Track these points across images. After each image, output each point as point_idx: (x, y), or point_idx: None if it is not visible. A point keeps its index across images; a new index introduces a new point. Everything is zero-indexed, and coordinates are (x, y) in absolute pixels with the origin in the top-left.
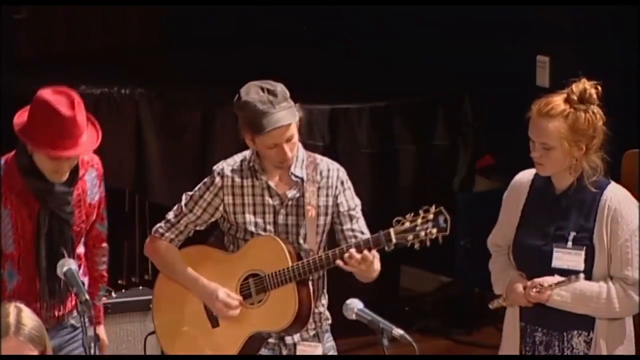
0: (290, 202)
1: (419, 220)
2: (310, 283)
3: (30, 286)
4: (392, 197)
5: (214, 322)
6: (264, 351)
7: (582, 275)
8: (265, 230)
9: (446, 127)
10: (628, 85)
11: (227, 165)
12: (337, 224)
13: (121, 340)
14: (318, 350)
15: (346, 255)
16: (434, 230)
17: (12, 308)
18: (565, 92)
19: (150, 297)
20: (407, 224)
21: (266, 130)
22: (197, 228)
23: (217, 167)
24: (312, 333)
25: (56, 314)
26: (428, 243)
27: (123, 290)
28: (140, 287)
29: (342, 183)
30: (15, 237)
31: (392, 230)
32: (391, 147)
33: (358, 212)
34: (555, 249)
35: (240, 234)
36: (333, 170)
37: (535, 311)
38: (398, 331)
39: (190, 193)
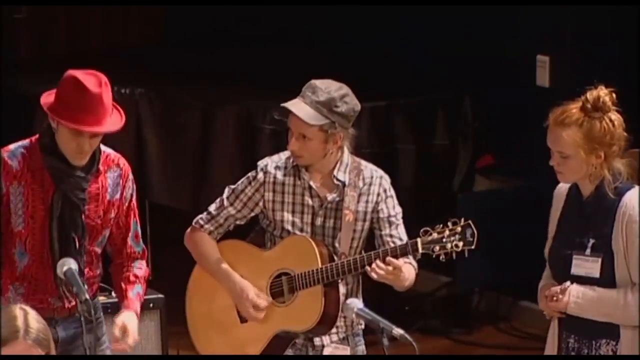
0: (329, 205)
1: (447, 232)
2: (342, 286)
3: (39, 268)
4: None
5: (244, 317)
6: (290, 351)
7: (567, 283)
8: (302, 230)
9: (446, 127)
10: (628, 85)
11: (271, 162)
12: (377, 229)
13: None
14: (345, 353)
15: (374, 265)
16: (460, 244)
17: (18, 310)
18: (581, 100)
19: (150, 296)
20: (435, 235)
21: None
22: (238, 222)
23: (261, 163)
24: (342, 336)
25: (66, 305)
26: (454, 256)
27: None
28: None
29: (384, 191)
30: (25, 216)
31: (419, 240)
32: (391, 147)
33: (399, 219)
34: (574, 256)
35: (277, 232)
36: (376, 177)
37: (569, 318)
38: (398, 331)
39: (232, 186)
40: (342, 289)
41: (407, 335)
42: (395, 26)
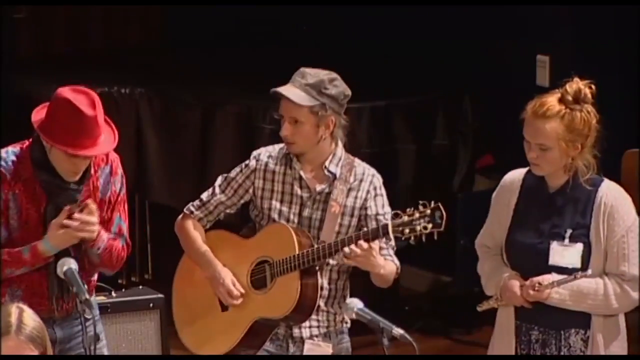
0: (317, 197)
1: (417, 215)
2: (326, 280)
3: (34, 273)
4: (391, 197)
5: (224, 305)
6: (271, 346)
7: (589, 271)
8: (288, 220)
9: (446, 127)
10: (628, 85)
11: (265, 151)
12: (364, 226)
13: (121, 340)
14: (327, 351)
15: (346, 249)
16: (429, 225)
17: (13, 308)
18: (559, 92)
19: (150, 296)
20: (405, 218)
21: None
22: (228, 211)
23: (255, 152)
24: (322, 331)
25: (64, 307)
26: (423, 239)
27: (123, 290)
28: (141, 287)
29: (374, 189)
30: (20, 222)
31: (389, 223)
32: (391, 147)
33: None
34: (552, 246)
35: (264, 221)
36: (368, 175)
37: (532, 310)
38: (398, 331)
39: (225, 175)
40: (325, 283)
41: (407, 335)
42: (395, 26)
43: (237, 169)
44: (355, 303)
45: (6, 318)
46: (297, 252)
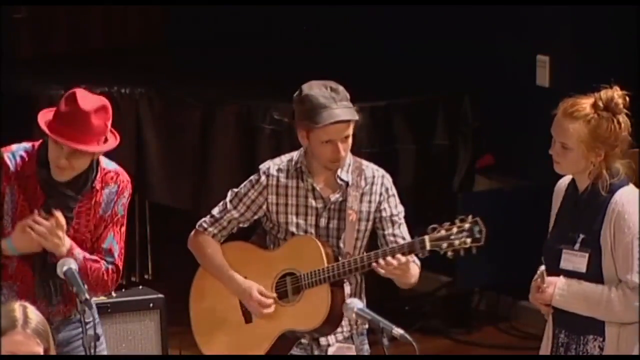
0: (332, 206)
1: (455, 229)
2: (348, 287)
3: (28, 271)
4: None
5: (248, 317)
6: (296, 350)
7: (542, 268)
8: (306, 231)
9: (446, 127)
10: (628, 85)
11: (273, 165)
12: (379, 229)
13: (121, 340)
14: (351, 352)
15: (381, 261)
16: (469, 240)
17: (17, 305)
18: (594, 96)
19: (150, 296)
20: (443, 232)
21: (324, 122)
22: (241, 225)
23: (263, 166)
24: (346, 335)
25: (61, 310)
26: (462, 253)
27: (123, 290)
28: (141, 287)
29: (386, 190)
30: (14, 218)
31: (427, 238)
32: (391, 147)
33: (401, 218)
34: (564, 251)
35: (281, 234)
36: (378, 177)
37: (559, 314)
38: (398, 331)
39: (235, 190)
40: (346, 289)
41: (407, 335)
42: (395, 26)
43: (248, 185)
44: (355, 303)
45: (11, 314)
46: (325, 264)
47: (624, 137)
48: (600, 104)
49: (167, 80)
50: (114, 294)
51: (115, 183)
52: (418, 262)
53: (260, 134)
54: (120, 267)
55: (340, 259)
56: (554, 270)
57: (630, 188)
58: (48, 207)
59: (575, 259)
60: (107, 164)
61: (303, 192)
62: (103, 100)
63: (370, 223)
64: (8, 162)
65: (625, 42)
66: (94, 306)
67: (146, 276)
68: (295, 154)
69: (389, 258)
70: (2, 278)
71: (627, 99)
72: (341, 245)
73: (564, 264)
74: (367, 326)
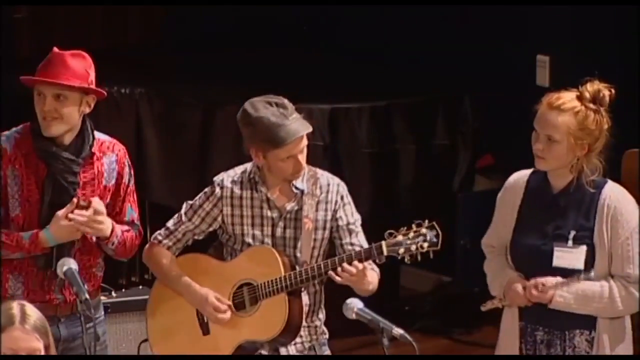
0: (288, 215)
1: (411, 234)
2: (306, 296)
3: (30, 264)
4: (392, 197)
5: (205, 329)
6: None
7: (591, 273)
8: (262, 242)
9: (446, 127)
10: (628, 85)
11: (227, 177)
12: (337, 238)
13: (121, 340)
14: None
15: (338, 269)
16: (425, 245)
17: (15, 303)
18: (577, 90)
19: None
20: (400, 237)
21: (285, 142)
22: (196, 237)
23: (217, 178)
24: (307, 346)
25: (67, 296)
26: (419, 257)
27: (123, 290)
28: (140, 287)
29: (342, 198)
30: (21, 200)
31: (383, 243)
32: (391, 147)
33: (357, 227)
34: (555, 248)
35: (237, 246)
36: (333, 185)
37: (537, 310)
38: (398, 330)
39: (190, 202)
40: (305, 299)
41: (407, 335)
42: (395, 26)
43: (203, 197)
44: (355, 303)
45: (9, 311)
46: (282, 274)
47: (605, 131)
48: (587, 95)
49: (167, 80)
50: (114, 294)
51: (112, 152)
52: (377, 268)
53: None
54: (141, 230)
55: (297, 268)
56: (542, 269)
57: (615, 184)
58: (51, 178)
59: (570, 256)
60: (101, 135)
61: (258, 202)
62: (83, 52)
63: (327, 232)
64: (4, 145)
65: (625, 42)
66: (101, 305)
67: (146, 276)
68: (248, 165)
69: (345, 265)
70: (4, 270)
71: (612, 92)
72: (298, 254)
73: (558, 262)
74: (327, 336)
